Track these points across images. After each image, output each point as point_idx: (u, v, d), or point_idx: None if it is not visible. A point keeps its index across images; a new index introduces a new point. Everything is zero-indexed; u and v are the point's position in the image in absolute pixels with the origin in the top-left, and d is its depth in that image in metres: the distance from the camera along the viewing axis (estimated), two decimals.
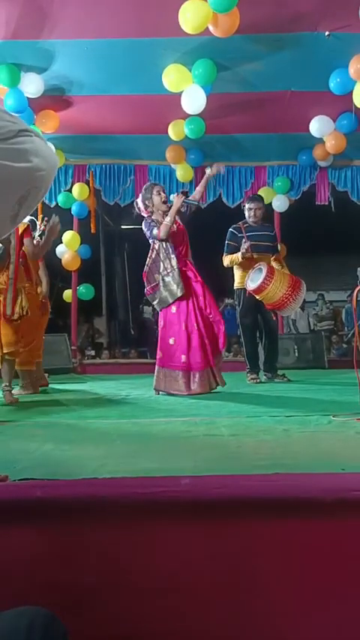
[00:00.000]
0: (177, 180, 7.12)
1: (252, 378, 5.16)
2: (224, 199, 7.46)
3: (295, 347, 7.01)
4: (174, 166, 7.08)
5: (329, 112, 5.95)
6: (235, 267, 5.25)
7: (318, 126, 6.03)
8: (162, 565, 1.22)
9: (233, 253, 5.16)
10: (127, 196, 7.40)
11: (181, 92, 5.20)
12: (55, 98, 5.60)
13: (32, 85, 5.18)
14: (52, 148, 0.92)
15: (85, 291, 7.82)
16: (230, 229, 5.27)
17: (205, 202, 7.45)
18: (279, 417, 2.85)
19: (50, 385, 5.12)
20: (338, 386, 4.87)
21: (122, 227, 14.34)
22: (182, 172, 7.01)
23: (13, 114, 0.96)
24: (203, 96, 5.21)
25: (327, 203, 7.44)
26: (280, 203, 7.35)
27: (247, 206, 5.37)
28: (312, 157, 6.96)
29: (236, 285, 5.27)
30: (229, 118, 6.03)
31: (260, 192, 7.38)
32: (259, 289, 4.69)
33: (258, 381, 5.14)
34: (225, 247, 5.27)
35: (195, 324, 4.23)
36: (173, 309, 4.30)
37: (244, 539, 1.23)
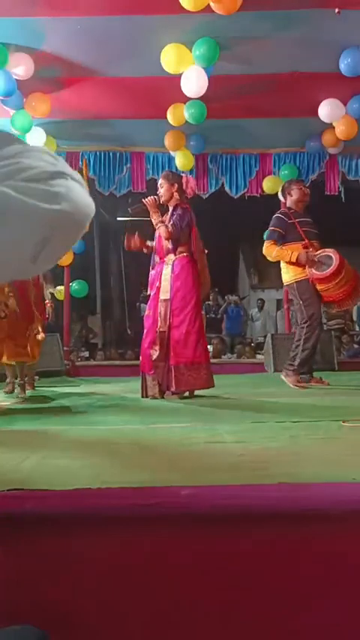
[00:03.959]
0: (176, 168, 7.11)
1: (298, 382, 4.86)
2: (227, 189, 7.46)
3: None
4: (173, 153, 7.08)
5: (339, 95, 5.94)
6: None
7: (327, 110, 6.03)
8: (160, 580, 1.22)
9: (277, 241, 4.94)
10: (123, 186, 7.40)
11: (181, 74, 5.20)
12: (46, 80, 5.59)
13: (21, 66, 5.18)
14: (90, 199, 0.94)
15: (79, 287, 7.83)
16: (278, 215, 5.07)
17: (206, 192, 7.49)
18: (285, 422, 2.85)
19: (41, 388, 5.12)
20: (349, 389, 4.88)
21: (118, 219, 14.35)
22: (182, 160, 7.00)
23: (56, 156, 1.00)
24: (204, 78, 5.21)
25: (337, 193, 7.44)
26: None
27: (297, 190, 5.15)
28: (321, 144, 6.95)
29: (291, 277, 4.96)
30: (232, 102, 6.03)
31: (265, 181, 7.40)
32: (327, 278, 4.58)
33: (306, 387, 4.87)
34: (269, 234, 5.02)
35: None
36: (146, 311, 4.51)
37: (248, 553, 1.23)
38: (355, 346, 10.68)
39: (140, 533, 1.23)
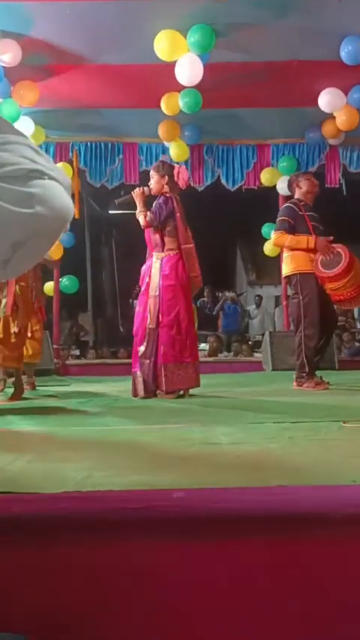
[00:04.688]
0: (171, 159, 7.09)
1: (317, 384, 4.78)
2: (223, 181, 7.46)
3: None
4: (167, 144, 7.07)
5: (340, 84, 5.95)
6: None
7: (328, 99, 6.03)
8: (152, 588, 1.22)
9: (288, 231, 4.86)
10: (115, 178, 7.40)
11: (175, 61, 5.19)
12: (35, 68, 5.58)
13: (8, 53, 5.16)
14: (69, 201, 0.89)
15: (69, 283, 7.81)
16: (290, 205, 5.02)
17: (202, 185, 7.49)
18: (284, 423, 2.85)
19: (40, 388, 5.14)
20: (350, 389, 4.89)
21: (110, 212, 14.33)
22: (176, 151, 6.99)
23: (39, 150, 0.96)
24: (200, 65, 5.20)
25: (338, 185, 7.45)
26: (285, 185, 7.32)
27: (306, 181, 5.11)
28: (321, 135, 6.96)
29: (292, 269, 4.89)
30: (228, 91, 6.02)
31: (264, 173, 7.41)
32: (337, 276, 4.54)
33: (327, 386, 4.80)
34: (280, 224, 4.96)
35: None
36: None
37: (244, 559, 1.23)
38: (357, 344, 10.70)
39: (129, 538, 1.22)
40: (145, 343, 4.33)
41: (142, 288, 4.48)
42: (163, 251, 4.41)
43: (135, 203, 4.46)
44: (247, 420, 3.05)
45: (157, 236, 4.41)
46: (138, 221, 4.45)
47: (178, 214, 4.41)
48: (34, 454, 2.21)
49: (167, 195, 4.43)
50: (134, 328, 4.50)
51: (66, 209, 0.98)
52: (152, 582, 1.22)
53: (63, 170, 1.00)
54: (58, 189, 0.96)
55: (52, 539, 1.27)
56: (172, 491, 1.29)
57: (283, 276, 5.16)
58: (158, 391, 4.34)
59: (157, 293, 4.34)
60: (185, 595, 1.23)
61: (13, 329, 4.25)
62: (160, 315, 4.32)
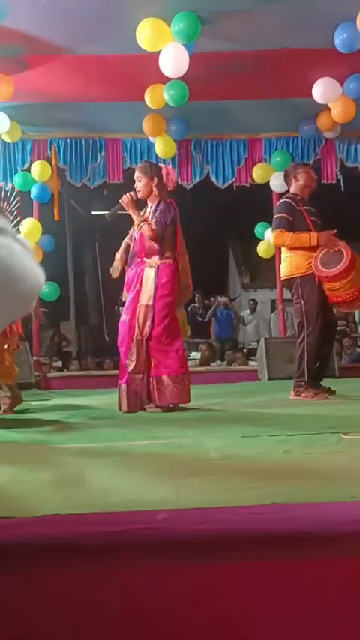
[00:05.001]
0: (156, 156, 7.12)
1: (316, 394, 4.77)
2: (213, 178, 7.49)
3: None
4: (152, 140, 7.09)
5: (335, 73, 5.99)
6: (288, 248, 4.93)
7: (322, 90, 6.07)
8: (133, 616, 1.21)
9: (288, 229, 4.84)
10: (97, 176, 7.41)
11: (159, 51, 5.21)
12: (9, 59, 5.59)
13: None
14: (34, 265, 0.82)
15: (49, 290, 7.78)
16: (287, 200, 5.00)
17: (190, 183, 7.51)
18: (280, 436, 2.86)
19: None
20: (350, 398, 4.89)
21: (93, 213, 14.34)
22: (162, 147, 7.01)
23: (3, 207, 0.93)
24: (185, 56, 5.22)
25: (335, 181, 7.49)
26: (279, 182, 7.35)
27: (304, 174, 5.09)
28: (316, 127, 7.01)
29: (292, 272, 4.90)
30: (216, 82, 6.05)
31: (256, 169, 7.44)
32: (337, 276, 4.53)
33: (327, 396, 4.81)
34: (278, 221, 4.93)
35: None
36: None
37: (231, 584, 1.22)
38: (358, 350, 10.73)
39: (108, 565, 1.21)
40: (134, 357, 4.31)
41: (131, 296, 4.43)
42: (159, 258, 4.39)
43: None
44: (240, 433, 3.05)
45: (155, 243, 4.38)
46: (122, 223, 4.45)
47: (178, 221, 4.44)
48: (12, 473, 2.20)
49: (167, 200, 4.44)
50: (119, 339, 4.48)
51: (33, 277, 0.91)
52: (134, 608, 1.21)
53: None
54: (9, 256, 0.89)
55: (28, 566, 1.26)
56: (155, 513, 1.29)
57: (282, 278, 5.15)
58: (148, 405, 4.33)
59: (151, 303, 4.32)
60: (169, 620, 1.23)
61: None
62: (152, 326, 4.31)
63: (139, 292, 4.37)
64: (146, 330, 4.31)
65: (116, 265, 4.62)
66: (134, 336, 4.32)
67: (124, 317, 4.46)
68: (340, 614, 1.29)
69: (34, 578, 1.26)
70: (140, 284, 4.38)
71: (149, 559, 1.21)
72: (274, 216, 5.04)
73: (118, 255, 4.62)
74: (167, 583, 1.23)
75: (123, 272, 4.59)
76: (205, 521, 1.25)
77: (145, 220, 4.36)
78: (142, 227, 4.35)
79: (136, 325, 4.32)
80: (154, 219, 4.34)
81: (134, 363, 4.30)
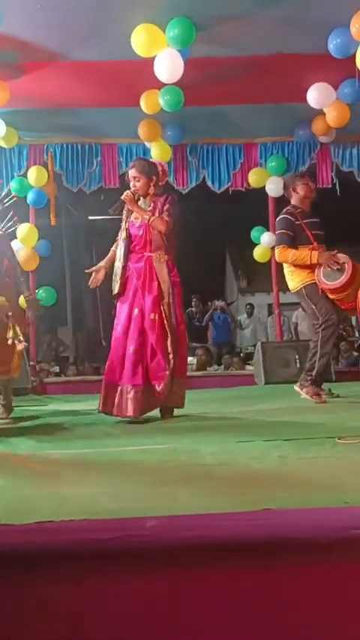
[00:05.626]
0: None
1: (316, 394, 4.85)
2: (209, 183, 7.49)
3: (297, 357, 7.01)
4: (148, 145, 7.09)
5: (329, 78, 5.99)
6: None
7: (317, 95, 6.07)
8: (123, 623, 1.20)
9: (290, 244, 4.93)
10: (94, 181, 7.40)
11: (154, 57, 5.21)
12: (4, 65, 5.58)
13: None
14: None
15: (46, 295, 7.77)
16: (285, 216, 5.05)
17: (186, 187, 7.51)
18: (275, 440, 2.86)
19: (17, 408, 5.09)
20: (346, 402, 4.89)
21: (89, 218, 14.33)
22: (158, 151, 7.00)
23: None
24: (180, 61, 5.22)
25: (330, 186, 7.50)
26: (274, 187, 7.38)
27: (302, 186, 5.14)
28: (311, 132, 7.01)
29: (298, 283, 5.00)
30: (211, 87, 6.05)
31: (252, 173, 7.44)
32: (339, 289, 4.64)
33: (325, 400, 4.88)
34: (279, 238, 5.04)
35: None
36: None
37: (223, 591, 1.22)
38: (355, 354, 10.71)
39: (99, 573, 1.21)
40: (157, 358, 4.14)
41: (134, 288, 4.26)
42: (165, 253, 4.33)
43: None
44: (235, 438, 3.05)
45: (164, 237, 4.30)
46: (119, 226, 4.44)
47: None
48: (5, 480, 2.19)
49: (172, 196, 4.45)
50: (116, 336, 4.35)
51: None
52: (123, 618, 1.21)
53: None
54: None
55: (20, 574, 1.25)
56: (145, 520, 1.28)
57: (291, 292, 5.21)
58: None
59: (171, 300, 4.23)
60: (162, 626, 1.22)
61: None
62: (175, 323, 4.20)
63: (144, 285, 4.23)
64: (171, 327, 4.18)
65: (99, 277, 4.47)
66: (150, 339, 4.18)
67: (121, 315, 4.35)
68: (333, 618, 1.29)
69: (24, 585, 1.26)
70: (156, 278, 4.26)
71: (139, 566, 1.21)
72: (276, 232, 5.14)
73: (102, 263, 4.49)
74: (154, 591, 1.22)
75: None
76: (194, 527, 1.24)
77: (153, 214, 4.32)
78: (153, 221, 4.27)
79: (164, 317, 4.17)
80: (165, 213, 4.29)
81: (157, 364, 4.15)
